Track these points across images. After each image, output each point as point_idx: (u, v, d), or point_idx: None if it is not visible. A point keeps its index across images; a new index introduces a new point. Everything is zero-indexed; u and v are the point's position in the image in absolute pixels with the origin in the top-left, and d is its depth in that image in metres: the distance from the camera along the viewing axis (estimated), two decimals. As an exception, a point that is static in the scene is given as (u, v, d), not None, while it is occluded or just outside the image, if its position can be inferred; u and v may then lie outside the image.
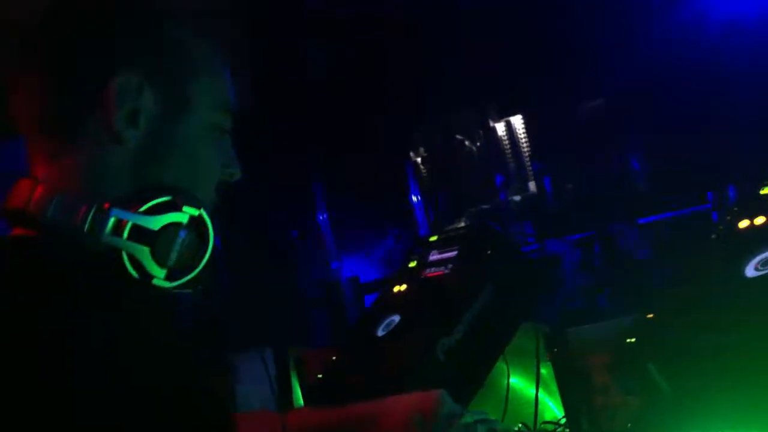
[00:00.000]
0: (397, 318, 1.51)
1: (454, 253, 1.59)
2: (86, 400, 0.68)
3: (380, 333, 1.51)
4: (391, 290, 1.64)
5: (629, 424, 1.30)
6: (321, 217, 6.08)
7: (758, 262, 1.18)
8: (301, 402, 2.18)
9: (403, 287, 1.62)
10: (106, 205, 0.81)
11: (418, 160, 6.27)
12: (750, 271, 1.17)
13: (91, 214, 0.80)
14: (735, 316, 1.12)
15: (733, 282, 1.18)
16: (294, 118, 4.99)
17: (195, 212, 0.86)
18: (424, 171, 6.27)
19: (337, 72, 4.90)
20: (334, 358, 1.57)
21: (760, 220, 1.27)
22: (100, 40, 0.85)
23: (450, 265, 1.56)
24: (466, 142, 5.98)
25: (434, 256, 1.63)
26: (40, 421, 0.67)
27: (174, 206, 0.84)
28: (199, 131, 0.88)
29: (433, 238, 1.69)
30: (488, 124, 5.80)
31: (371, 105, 5.15)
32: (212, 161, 0.91)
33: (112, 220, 0.81)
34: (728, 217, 1.34)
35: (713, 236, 1.34)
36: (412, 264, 1.67)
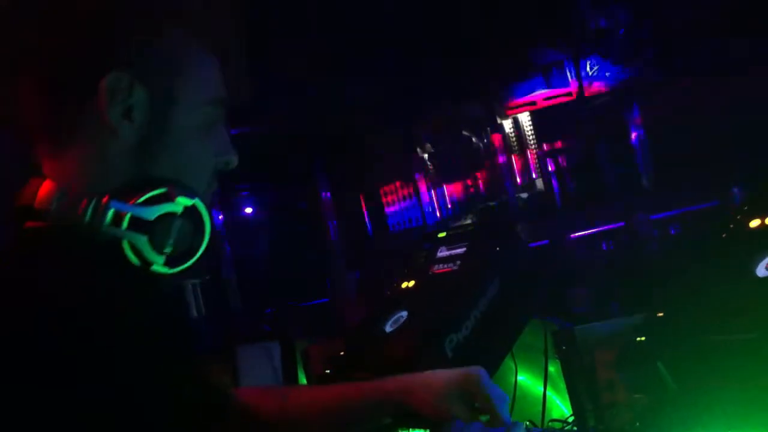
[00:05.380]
0: (405, 314, 1.51)
1: (463, 249, 1.58)
2: (92, 377, 0.74)
3: (388, 329, 1.51)
4: (399, 286, 1.63)
5: (637, 423, 1.30)
6: (328, 217, 6.06)
7: (770, 262, 1.17)
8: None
9: (411, 283, 1.61)
10: (105, 199, 0.87)
11: (425, 156, 6.26)
12: (761, 271, 1.16)
13: (91, 206, 0.87)
14: (746, 315, 1.12)
15: (744, 281, 1.17)
16: (297, 113, 4.98)
17: (188, 202, 0.92)
18: (430, 167, 6.26)
19: (341, 66, 4.89)
20: (341, 353, 1.57)
21: (771, 220, 1.26)
22: (91, 41, 0.89)
23: (458, 262, 1.56)
24: (473, 138, 5.96)
25: (442, 253, 1.63)
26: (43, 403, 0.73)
27: (168, 197, 0.90)
28: (187, 126, 0.93)
29: (442, 235, 1.69)
30: (495, 120, 5.79)
31: (378, 98, 5.13)
32: (203, 153, 0.96)
33: (111, 212, 0.87)
34: (739, 216, 1.33)
35: (723, 235, 1.33)
36: (420, 260, 1.66)
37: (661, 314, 1.21)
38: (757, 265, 1.18)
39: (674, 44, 4.14)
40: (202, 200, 0.93)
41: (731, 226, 1.31)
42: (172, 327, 0.89)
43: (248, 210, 7.03)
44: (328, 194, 6.27)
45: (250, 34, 1.00)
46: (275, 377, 2.25)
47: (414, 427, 1.32)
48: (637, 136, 4.95)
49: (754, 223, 1.28)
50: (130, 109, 0.89)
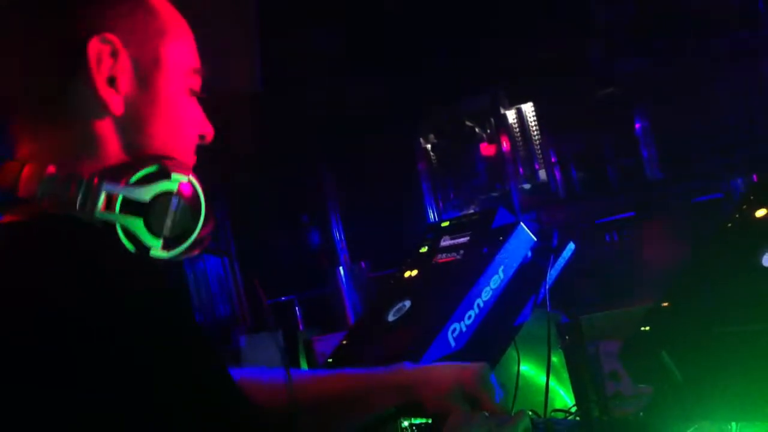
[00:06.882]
0: (407, 303, 1.50)
1: (466, 239, 1.58)
2: (94, 381, 0.67)
3: (390, 318, 1.50)
4: (402, 275, 1.63)
5: (641, 413, 1.29)
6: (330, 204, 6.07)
7: (776, 252, 1.16)
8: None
9: (414, 272, 1.61)
10: (95, 181, 0.80)
11: (428, 146, 6.25)
12: (767, 261, 1.16)
13: (82, 191, 0.79)
14: (751, 305, 1.11)
15: (749, 271, 1.16)
16: (302, 105, 4.98)
17: (184, 178, 0.85)
18: (433, 157, 6.25)
19: (347, 56, 4.88)
20: (344, 342, 1.56)
21: (777, 209, 1.25)
22: (70, 6, 0.83)
23: (461, 251, 1.56)
24: (477, 129, 5.95)
25: (446, 242, 1.62)
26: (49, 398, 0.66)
27: (163, 174, 0.83)
28: (174, 93, 0.88)
29: (445, 224, 1.68)
30: (499, 111, 5.77)
31: (381, 89, 5.13)
32: (189, 123, 0.91)
33: (102, 195, 0.79)
34: (744, 206, 1.32)
35: (729, 225, 1.32)
36: (424, 249, 1.66)
37: (666, 304, 1.20)
38: (762, 254, 1.17)
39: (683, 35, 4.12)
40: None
41: (737, 216, 1.30)
42: (174, 318, 0.77)
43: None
44: (332, 185, 6.26)
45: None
46: (281, 364, 2.24)
47: (416, 416, 1.32)
48: (642, 128, 4.93)
49: (760, 213, 1.27)
50: (114, 79, 0.82)
